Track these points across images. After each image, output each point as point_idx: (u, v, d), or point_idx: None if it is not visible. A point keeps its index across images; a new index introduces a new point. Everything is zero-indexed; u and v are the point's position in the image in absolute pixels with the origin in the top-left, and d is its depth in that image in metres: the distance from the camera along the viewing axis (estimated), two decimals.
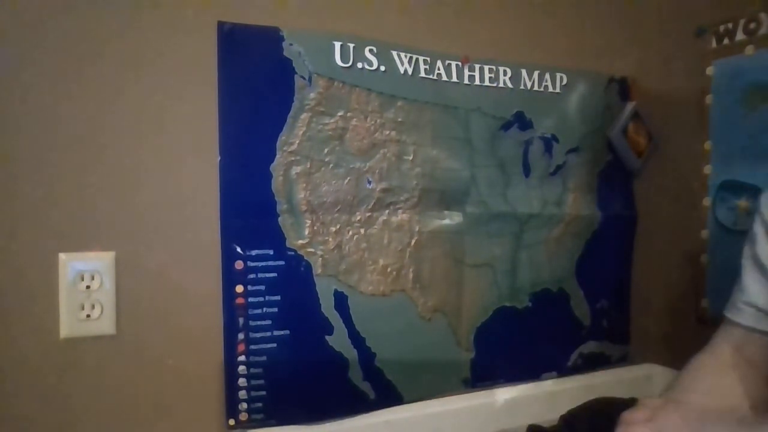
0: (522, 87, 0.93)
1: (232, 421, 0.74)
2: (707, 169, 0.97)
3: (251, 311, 0.74)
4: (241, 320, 0.74)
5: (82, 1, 0.66)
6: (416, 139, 0.84)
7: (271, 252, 0.75)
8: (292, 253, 0.76)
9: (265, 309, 0.75)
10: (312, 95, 0.77)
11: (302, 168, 0.76)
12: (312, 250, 0.77)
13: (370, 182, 0.81)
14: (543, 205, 0.96)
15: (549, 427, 0.85)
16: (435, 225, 0.87)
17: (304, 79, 0.76)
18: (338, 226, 0.79)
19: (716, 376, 0.64)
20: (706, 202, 0.98)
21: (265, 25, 0.74)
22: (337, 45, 0.78)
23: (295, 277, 0.76)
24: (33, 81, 0.64)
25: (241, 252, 0.74)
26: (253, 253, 0.74)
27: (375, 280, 0.82)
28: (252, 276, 0.74)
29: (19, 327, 0.64)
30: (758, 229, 0.65)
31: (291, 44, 0.75)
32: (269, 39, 0.74)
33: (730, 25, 0.93)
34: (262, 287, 0.75)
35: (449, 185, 0.87)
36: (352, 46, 0.79)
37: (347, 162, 0.79)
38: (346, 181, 0.79)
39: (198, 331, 0.72)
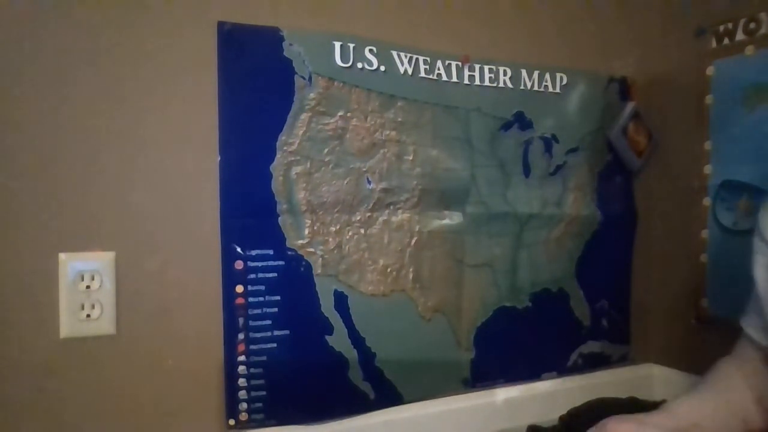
0: (522, 87, 0.93)
1: (232, 421, 0.74)
2: (707, 169, 0.97)
3: (251, 311, 0.74)
4: (241, 320, 0.74)
5: (81, 2, 0.66)
6: (416, 139, 0.84)
7: (271, 252, 0.75)
8: (292, 253, 0.76)
9: (265, 309, 0.75)
10: (312, 95, 0.77)
11: (302, 168, 0.76)
12: (312, 250, 0.77)
13: (370, 182, 0.81)
14: (543, 205, 0.96)
15: (548, 427, 0.86)
16: (435, 225, 0.87)
17: (304, 79, 0.76)
18: (338, 226, 0.79)
19: (722, 377, 0.64)
20: (706, 202, 0.97)
21: (265, 25, 0.74)
22: (337, 45, 0.78)
23: (295, 277, 0.76)
24: (33, 81, 0.64)
25: (241, 252, 0.74)
26: (253, 253, 0.74)
27: (375, 280, 0.82)
28: (252, 276, 0.74)
29: (19, 327, 0.64)
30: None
31: (291, 44, 0.75)
32: (269, 39, 0.74)
33: (730, 25, 0.93)
34: (262, 287, 0.75)
35: (449, 185, 0.87)
36: (352, 46, 0.79)
37: (347, 162, 0.79)
38: (346, 181, 0.79)
39: (198, 331, 0.72)
